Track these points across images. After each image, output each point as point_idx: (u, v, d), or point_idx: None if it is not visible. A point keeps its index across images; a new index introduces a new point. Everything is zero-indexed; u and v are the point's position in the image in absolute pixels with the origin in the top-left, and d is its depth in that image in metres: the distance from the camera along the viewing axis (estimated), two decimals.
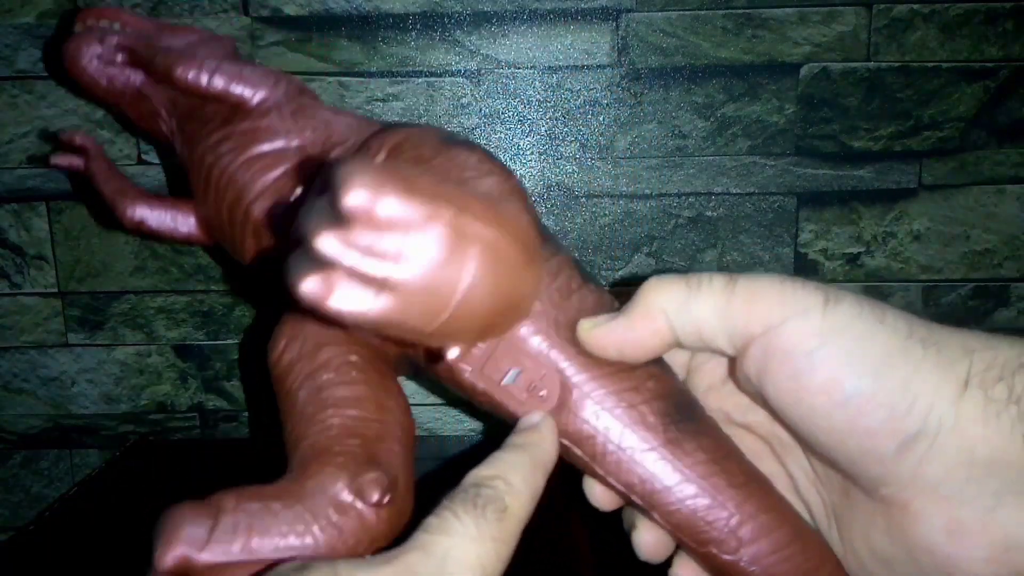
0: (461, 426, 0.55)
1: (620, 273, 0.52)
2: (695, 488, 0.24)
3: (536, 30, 0.49)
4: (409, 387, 0.54)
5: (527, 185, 0.51)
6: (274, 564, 0.22)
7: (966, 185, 0.51)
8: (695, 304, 0.22)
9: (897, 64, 0.50)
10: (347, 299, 0.19)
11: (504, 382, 0.26)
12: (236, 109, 0.34)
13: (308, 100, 0.35)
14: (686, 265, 0.52)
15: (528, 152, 0.51)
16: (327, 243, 0.19)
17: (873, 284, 0.53)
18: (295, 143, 0.32)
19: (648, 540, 0.25)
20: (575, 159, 0.51)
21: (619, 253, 0.52)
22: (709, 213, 0.52)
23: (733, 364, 0.24)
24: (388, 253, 0.19)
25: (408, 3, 0.49)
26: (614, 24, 0.49)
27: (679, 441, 0.25)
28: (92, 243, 0.52)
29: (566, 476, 0.26)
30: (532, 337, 0.25)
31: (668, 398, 0.25)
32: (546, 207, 0.51)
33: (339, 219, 0.19)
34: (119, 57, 0.39)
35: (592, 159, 0.51)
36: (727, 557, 0.24)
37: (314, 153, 0.32)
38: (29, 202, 0.51)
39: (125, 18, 0.41)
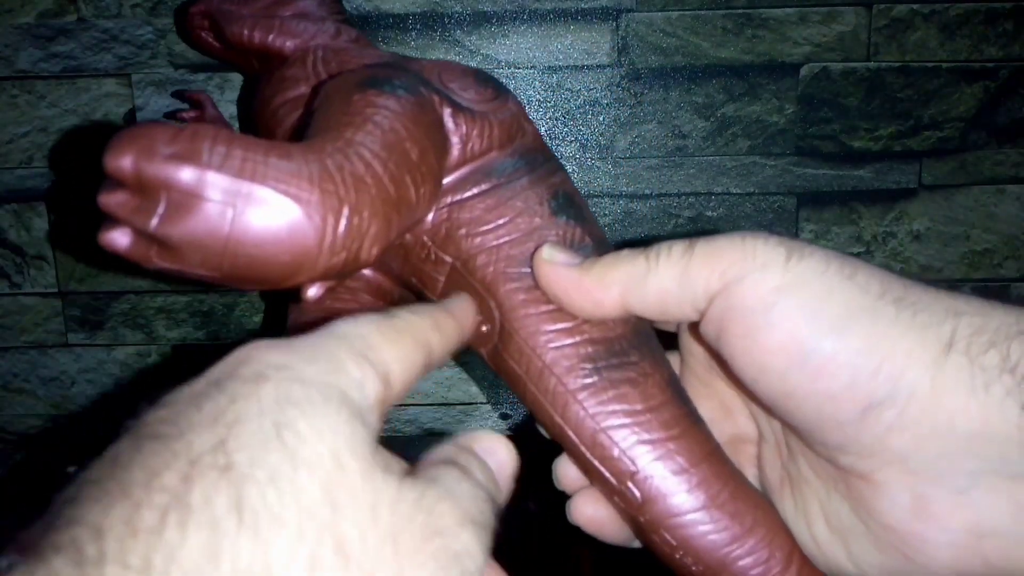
0: (461, 426, 0.55)
1: None
2: (604, 439, 0.23)
3: (536, 30, 0.49)
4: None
5: None
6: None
7: (966, 185, 0.51)
8: (654, 277, 0.22)
9: (897, 64, 0.50)
10: (128, 247, 0.22)
11: None
12: (279, 59, 0.35)
13: (345, 44, 0.35)
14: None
15: None
16: (103, 201, 0.22)
17: None
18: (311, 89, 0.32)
19: (566, 473, 0.25)
20: (575, 159, 0.51)
21: None
22: (709, 213, 0.52)
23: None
24: (152, 210, 0.21)
25: (408, 3, 0.49)
26: (614, 24, 0.49)
27: (598, 388, 0.24)
28: (92, 243, 0.52)
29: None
30: (479, 270, 0.25)
31: (602, 343, 0.24)
32: None
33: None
34: (205, 24, 0.40)
35: (592, 159, 0.51)
36: (632, 513, 0.24)
37: None
38: (29, 202, 0.52)
39: None
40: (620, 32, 0.49)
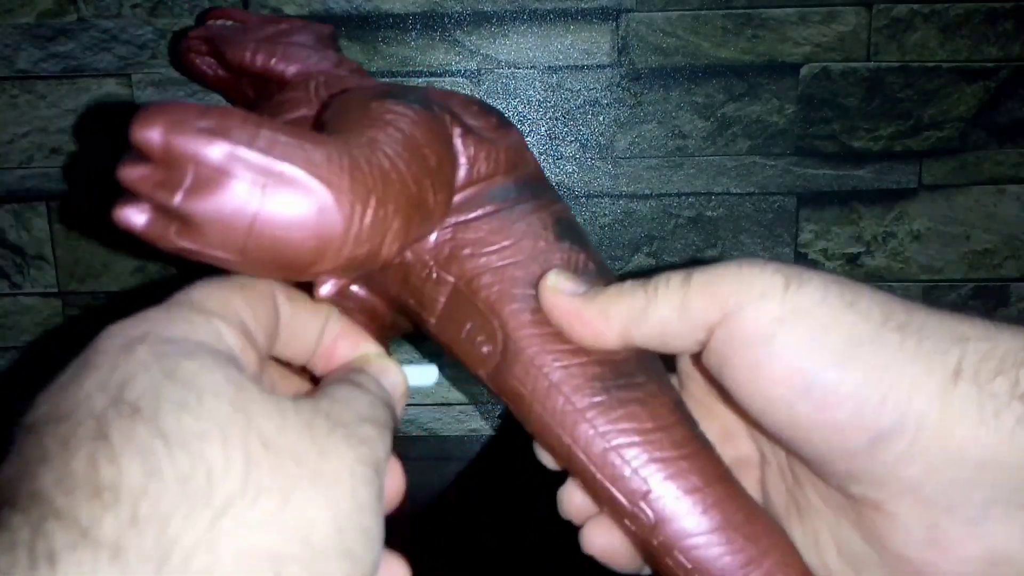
0: (461, 426, 0.55)
1: (620, 273, 0.52)
2: (615, 458, 0.23)
3: (536, 30, 0.49)
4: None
5: None
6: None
7: (966, 185, 0.51)
8: (653, 310, 0.22)
9: (897, 64, 0.50)
10: (146, 225, 0.21)
11: (463, 336, 0.25)
12: (279, 84, 0.35)
13: (346, 73, 0.35)
14: (686, 265, 0.52)
15: None
16: (124, 174, 0.21)
17: (873, 284, 0.53)
18: (314, 112, 0.32)
19: (572, 501, 0.25)
20: (575, 159, 0.51)
21: (619, 253, 0.52)
22: (709, 213, 0.52)
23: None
24: (177, 185, 0.20)
25: (408, 3, 0.49)
26: (614, 24, 0.49)
27: (607, 407, 0.23)
28: (92, 243, 0.52)
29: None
30: (483, 290, 0.25)
31: (609, 365, 0.24)
32: None
33: (138, 154, 0.21)
34: (204, 48, 0.40)
35: (592, 159, 0.51)
36: (644, 536, 0.23)
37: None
38: (29, 202, 0.52)
39: (241, 16, 0.41)
40: (620, 32, 0.49)
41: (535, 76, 0.50)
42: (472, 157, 0.27)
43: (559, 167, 0.51)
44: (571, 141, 0.51)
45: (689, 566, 0.22)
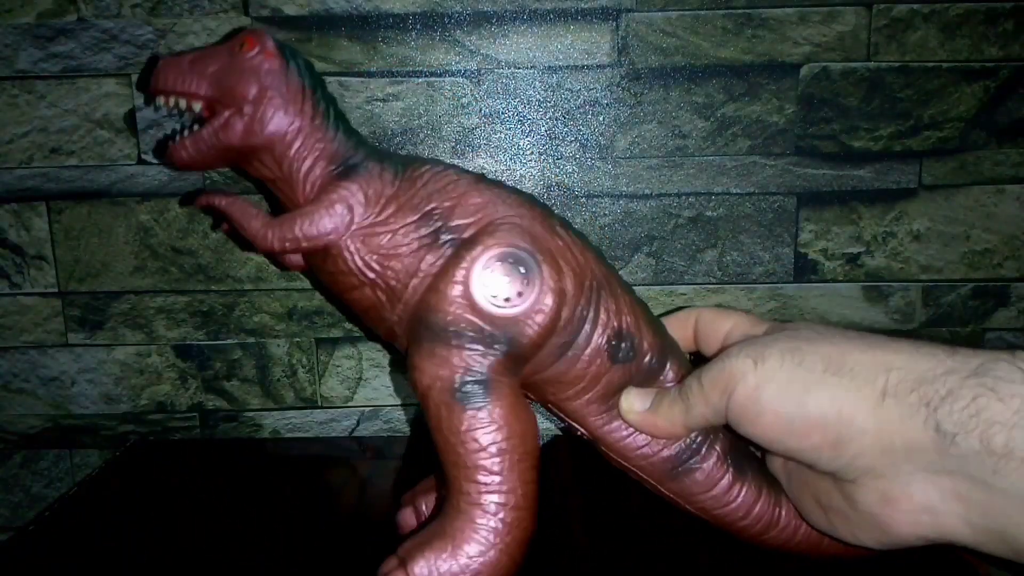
0: None
1: (620, 273, 0.52)
2: (698, 508, 0.36)
3: (536, 30, 0.49)
4: (409, 387, 0.54)
5: (527, 186, 0.51)
6: None
7: (966, 185, 0.51)
8: (692, 408, 0.32)
9: (897, 64, 0.50)
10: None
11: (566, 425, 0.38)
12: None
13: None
14: (686, 265, 0.52)
15: (528, 152, 0.51)
16: None
17: (873, 284, 0.53)
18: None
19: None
20: (575, 159, 0.51)
21: (619, 253, 0.52)
22: (709, 213, 0.52)
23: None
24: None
25: (408, 3, 0.49)
26: (614, 24, 0.49)
27: (681, 478, 0.35)
28: (92, 243, 0.52)
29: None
30: (567, 412, 0.36)
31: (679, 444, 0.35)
32: None
33: None
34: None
35: (592, 159, 0.51)
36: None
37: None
38: (29, 202, 0.52)
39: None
40: (620, 32, 0.49)
41: (535, 76, 0.50)
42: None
43: (559, 167, 0.51)
44: (571, 141, 0.51)
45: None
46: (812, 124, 0.51)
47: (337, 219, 0.34)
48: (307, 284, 0.53)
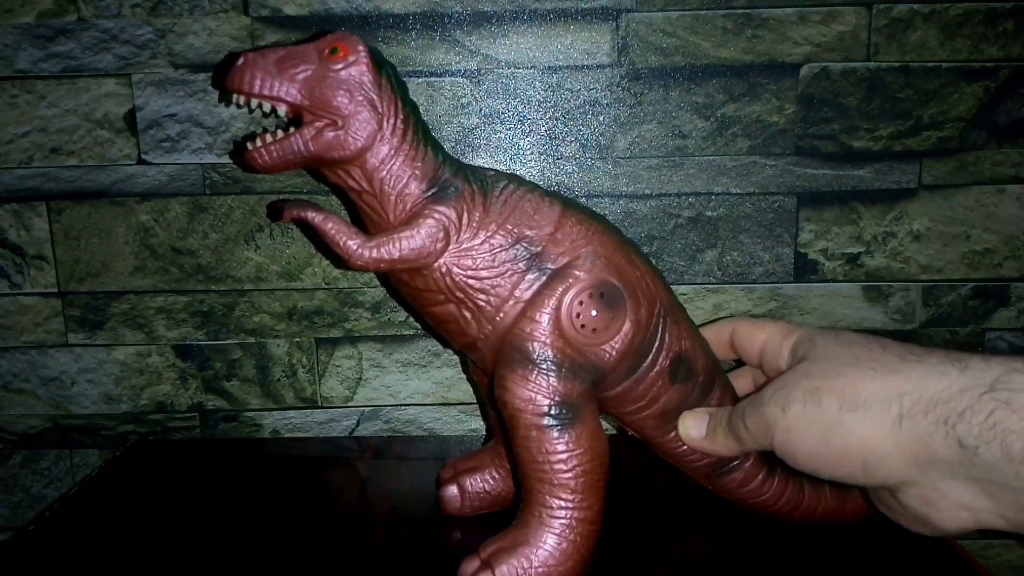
0: (461, 426, 0.55)
1: None
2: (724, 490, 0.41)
3: (536, 30, 0.49)
4: (409, 387, 0.54)
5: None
6: None
7: (966, 185, 0.51)
8: (743, 437, 0.36)
9: (897, 64, 0.50)
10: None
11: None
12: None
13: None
14: (686, 265, 0.52)
15: (528, 152, 0.51)
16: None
17: (873, 284, 0.53)
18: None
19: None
20: (575, 159, 0.51)
21: None
22: (709, 213, 0.52)
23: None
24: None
25: (408, 3, 0.49)
26: (614, 24, 0.49)
27: (722, 478, 0.40)
28: (92, 243, 0.52)
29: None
30: (629, 425, 0.40)
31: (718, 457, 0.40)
32: None
33: None
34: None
35: (592, 159, 0.51)
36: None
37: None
38: (29, 202, 0.52)
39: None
40: (620, 32, 0.49)
41: (535, 76, 0.50)
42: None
43: (559, 167, 0.51)
44: (571, 141, 0.51)
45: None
46: (812, 124, 0.51)
47: (435, 243, 0.35)
48: (307, 284, 0.53)
